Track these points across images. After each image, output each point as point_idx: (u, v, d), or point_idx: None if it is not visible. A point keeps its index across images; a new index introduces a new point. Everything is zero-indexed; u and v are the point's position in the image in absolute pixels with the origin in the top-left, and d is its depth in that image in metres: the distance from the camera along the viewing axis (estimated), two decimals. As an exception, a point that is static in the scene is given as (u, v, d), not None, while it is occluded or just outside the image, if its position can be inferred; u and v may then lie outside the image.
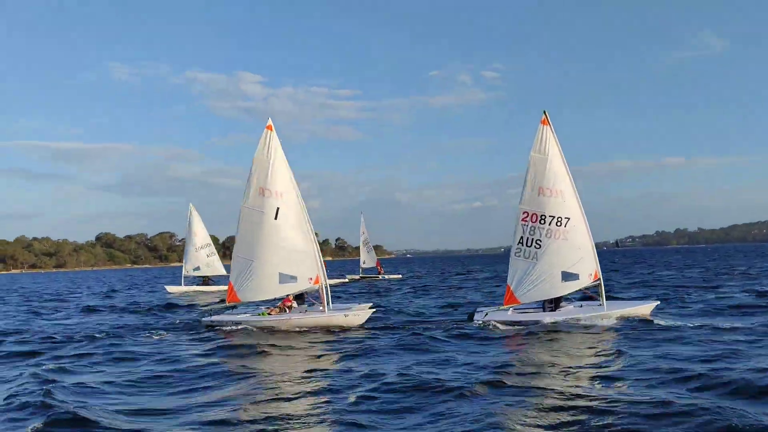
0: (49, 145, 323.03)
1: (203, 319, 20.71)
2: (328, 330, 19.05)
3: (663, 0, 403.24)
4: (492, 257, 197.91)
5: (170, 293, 42.75)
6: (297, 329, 19.25)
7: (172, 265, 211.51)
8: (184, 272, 44.79)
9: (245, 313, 20.88)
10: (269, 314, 20.10)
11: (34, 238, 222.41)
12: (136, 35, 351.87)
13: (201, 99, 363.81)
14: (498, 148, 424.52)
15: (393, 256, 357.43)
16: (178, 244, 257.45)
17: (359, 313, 20.14)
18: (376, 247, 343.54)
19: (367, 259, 58.61)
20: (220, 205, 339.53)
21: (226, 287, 44.83)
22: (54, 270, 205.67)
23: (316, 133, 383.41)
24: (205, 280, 45.02)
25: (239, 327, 19.61)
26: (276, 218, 19.76)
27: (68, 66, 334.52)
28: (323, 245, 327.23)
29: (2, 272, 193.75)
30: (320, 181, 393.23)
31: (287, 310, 20.39)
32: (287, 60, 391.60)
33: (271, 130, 20.31)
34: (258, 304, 21.74)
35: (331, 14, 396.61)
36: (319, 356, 14.82)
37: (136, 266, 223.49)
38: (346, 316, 19.88)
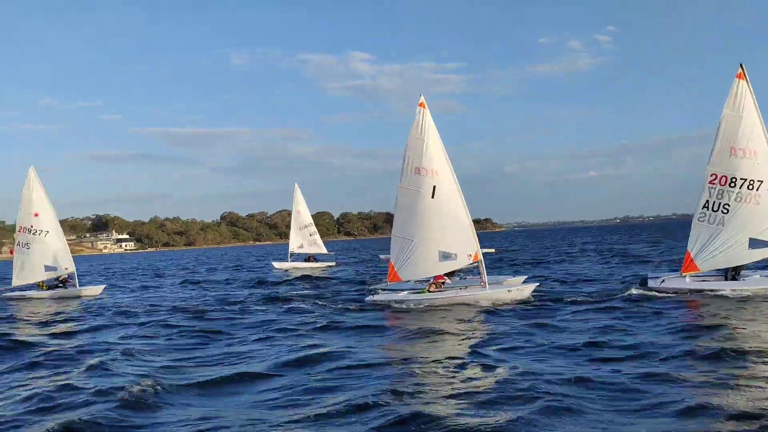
0: (176, 131, 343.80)
1: (366, 298, 20.83)
2: (485, 305, 18.59)
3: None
4: (607, 229, 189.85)
5: (276, 269, 44.69)
6: (457, 305, 18.87)
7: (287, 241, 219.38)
8: (290, 249, 46.64)
9: (403, 290, 20.68)
10: (429, 291, 19.84)
11: (166, 218, 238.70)
12: (251, 22, 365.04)
13: (313, 80, 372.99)
14: (611, 115, 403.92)
15: (503, 229, 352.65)
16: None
17: (523, 288, 19.54)
18: (485, 221, 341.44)
19: None
20: (333, 182, 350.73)
21: (330, 263, 47.57)
22: (184, 248, 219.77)
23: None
24: (310, 258, 46.94)
25: (402, 305, 19.47)
26: (433, 197, 19.55)
27: (191, 55, 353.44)
28: None
29: (139, 251, 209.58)
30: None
31: (441, 286, 20.10)
32: (394, 36, 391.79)
33: (424, 107, 20.04)
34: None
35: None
36: (461, 335, 14.21)
37: (258, 243, 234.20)
38: (509, 291, 19.39)
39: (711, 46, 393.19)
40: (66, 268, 28.76)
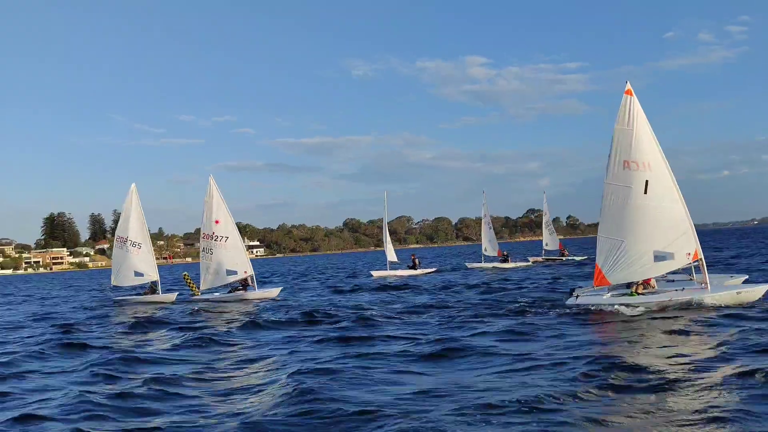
0: (301, 141, 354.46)
1: (567, 301, 19.83)
2: (708, 309, 16.90)
3: None
4: (743, 231, 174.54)
5: (375, 278, 44.64)
6: (672, 308, 17.37)
7: (410, 246, 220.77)
8: (389, 258, 46.67)
9: (608, 293, 19.37)
10: (637, 293, 18.68)
11: (293, 226, 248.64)
12: (369, 32, 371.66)
13: (430, 87, 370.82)
14: (746, 109, 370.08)
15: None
16: (414, 227, 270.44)
17: (754, 289, 17.82)
18: None
19: (549, 242, 55.60)
20: (452, 187, 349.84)
21: (430, 270, 47.87)
22: (310, 254, 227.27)
23: (544, 110, 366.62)
24: (414, 263, 46.90)
25: (608, 308, 18.29)
26: (645, 192, 18.08)
27: (314, 67, 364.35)
28: (554, 223, 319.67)
29: (268, 257, 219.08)
30: (549, 158, 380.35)
31: (650, 287, 18.87)
32: (512, 39, 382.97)
33: (631, 94, 18.53)
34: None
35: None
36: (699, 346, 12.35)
37: (378, 249, 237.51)
38: (738, 293, 17.69)
39: None
40: (245, 272, 29.82)
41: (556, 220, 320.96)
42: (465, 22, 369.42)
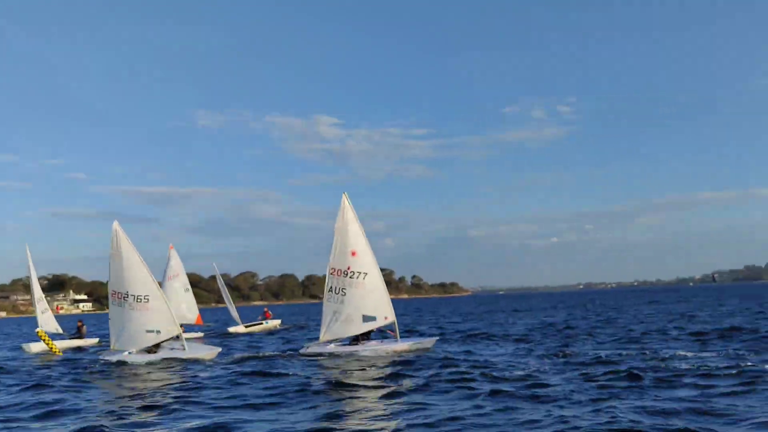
0: (140, 190, 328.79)
1: None
2: None
3: (744, 26, 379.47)
4: (560, 295, 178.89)
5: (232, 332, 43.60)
6: None
7: (254, 303, 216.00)
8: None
9: None
10: None
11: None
12: (220, 83, 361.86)
13: (280, 142, 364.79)
14: (574, 182, 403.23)
15: (468, 293, 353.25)
16: (260, 283, 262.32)
17: None
18: (452, 285, 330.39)
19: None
20: (299, 244, 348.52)
21: (276, 323, 46.16)
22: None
23: (391, 172, 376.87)
24: (264, 319, 45.79)
25: None
26: None
27: (158, 114, 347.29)
28: (399, 282, 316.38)
29: (96, 311, 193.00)
30: (394, 219, 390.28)
31: None
32: (362, 102, 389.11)
33: None
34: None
35: (405, 56, 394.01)
36: None
37: (220, 305, 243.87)
38: None
39: (666, 116, 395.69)
40: (386, 317, 23.87)
41: (401, 280, 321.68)
42: (316, 82, 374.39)
